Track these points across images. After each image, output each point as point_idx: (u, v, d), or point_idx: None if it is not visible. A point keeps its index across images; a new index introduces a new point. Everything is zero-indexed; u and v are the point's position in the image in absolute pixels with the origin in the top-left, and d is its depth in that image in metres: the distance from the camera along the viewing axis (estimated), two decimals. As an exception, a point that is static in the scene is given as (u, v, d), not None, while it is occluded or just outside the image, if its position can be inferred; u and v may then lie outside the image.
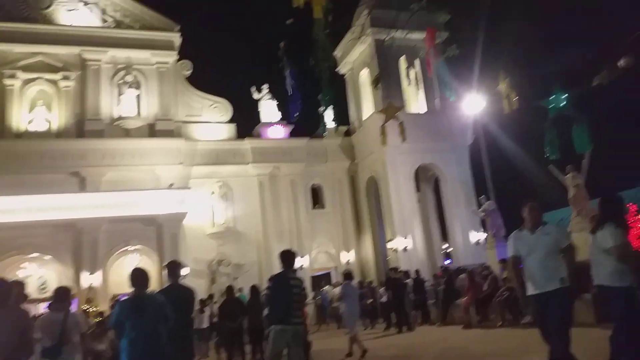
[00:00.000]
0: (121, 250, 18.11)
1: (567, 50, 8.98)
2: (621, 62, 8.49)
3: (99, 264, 17.27)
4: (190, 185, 19.40)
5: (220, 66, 48.58)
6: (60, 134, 18.95)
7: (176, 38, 21.04)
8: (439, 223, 22.39)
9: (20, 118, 18.66)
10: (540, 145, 10.40)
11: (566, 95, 9.23)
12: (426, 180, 22.86)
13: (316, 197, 22.59)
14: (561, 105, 9.29)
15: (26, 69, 18.92)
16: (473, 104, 14.57)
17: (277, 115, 22.02)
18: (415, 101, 21.90)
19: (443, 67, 11.72)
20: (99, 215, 17.27)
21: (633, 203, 18.53)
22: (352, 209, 22.60)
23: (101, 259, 17.42)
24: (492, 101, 12.93)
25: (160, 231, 18.18)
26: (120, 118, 19.71)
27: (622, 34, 8.32)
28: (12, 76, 18.69)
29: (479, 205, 16.16)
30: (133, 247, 18.20)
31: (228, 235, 20.13)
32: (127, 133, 19.81)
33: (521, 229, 4.31)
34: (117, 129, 19.67)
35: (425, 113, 21.36)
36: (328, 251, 21.96)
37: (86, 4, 20.32)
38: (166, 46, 20.79)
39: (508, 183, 20.69)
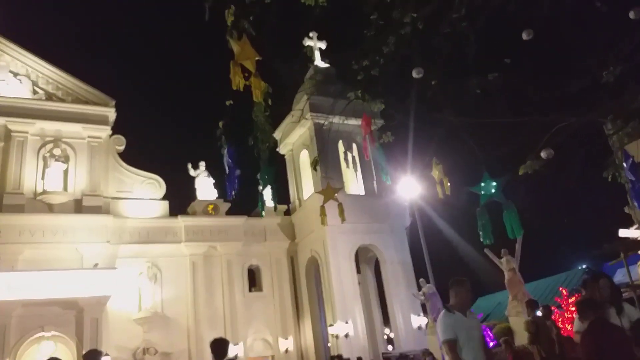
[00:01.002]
0: (35, 337, 16.27)
1: (495, 140, 9.43)
2: (543, 154, 8.96)
3: (7, 353, 15.34)
4: (117, 266, 18.16)
5: (156, 142, 48.13)
6: (-26, 209, 17.50)
7: (111, 113, 20.57)
8: (380, 306, 22.06)
9: None
10: (475, 229, 10.60)
11: (495, 182, 9.58)
12: (366, 261, 22.76)
13: (253, 279, 21.76)
14: (491, 191, 9.60)
15: (-57, 138, 17.70)
16: (409, 188, 14.96)
17: (214, 193, 21.58)
18: (354, 183, 22.28)
19: (379, 152, 12.00)
20: (11, 298, 15.60)
21: (564, 287, 19.32)
22: (292, 292, 21.88)
23: (10, 348, 15.52)
24: (427, 185, 13.29)
25: (80, 316, 16.59)
26: (44, 192, 18.55)
27: (544, 128, 8.88)
28: None
29: (419, 288, 16.15)
30: (49, 334, 16.43)
31: (155, 321, 18.71)
32: (50, 208, 18.61)
33: (451, 311, 4.06)
34: (39, 204, 18.45)
35: (363, 195, 21.70)
36: (265, 338, 20.81)
37: (16, 75, 19.67)
38: (100, 121, 20.24)
39: (447, 266, 21.02)
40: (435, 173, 10.96)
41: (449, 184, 10.56)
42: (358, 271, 21.72)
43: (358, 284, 21.00)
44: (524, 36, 8.04)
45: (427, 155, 11.98)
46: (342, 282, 19.74)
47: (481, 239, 10.14)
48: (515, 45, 8.55)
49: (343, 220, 13.55)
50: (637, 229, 14.67)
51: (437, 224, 19.35)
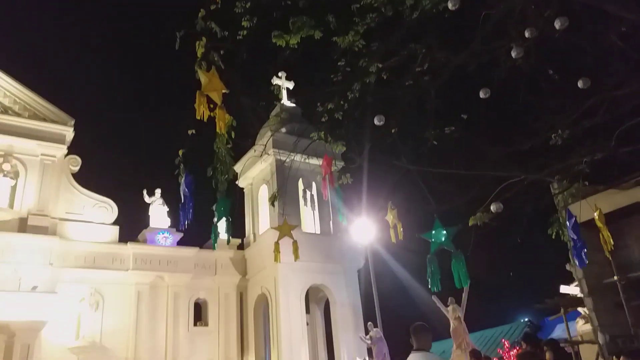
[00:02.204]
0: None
1: (449, 190, 9.80)
2: (493, 207, 9.34)
3: None
4: (57, 290, 17.30)
5: (113, 166, 47.01)
6: None
7: (69, 132, 20.03)
8: (327, 348, 21.76)
9: None
10: (426, 275, 10.81)
11: (445, 231, 9.88)
12: (316, 301, 22.57)
13: (199, 313, 21.13)
14: (441, 240, 9.88)
15: None
16: (364, 230, 15.14)
17: (167, 221, 21.12)
18: (311, 222, 22.33)
19: (337, 193, 12.20)
20: None
21: (506, 339, 19.75)
22: (238, 329, 21.32)
23: None
24: (382, 229, 13.52)
25: (10, 341, 15.61)
26: (-14, 208, 17.68)
27: (495, 182, 9.30)
28: None
29: (367, 331, 16.10)
30: (-28, 361, 15.33)
31: (93, 351, 17.76)
32: (-9, 225, 17.69)
33: (418, 351, 4.16)
34: (-21, 219, 17.52)
35: (319, 234, 21.74)
36: (207, 374, 20.11)
37: (-29, 85, 19.02)
38: (56, 139, 19.62)
39: (397, 310, 21.12)
40: (390, 217, 11.21)
41: (401, 229, 10.81)
42: (307, 311, 21.49)
43: (306, 324, 20.73)
44: (482, 95, 8.52)
45: (383, 199, 12.28)
46: (291, 321, 19.45)
47: (429, 286, 10.34)
48: (473, 102, 9.04)
49: (297, 257, 13.55)
50: (576, 286, 15.30)
51: (389, 267, 19.59)
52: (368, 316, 18.98)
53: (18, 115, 19.44)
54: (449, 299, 13.60)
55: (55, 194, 19.31)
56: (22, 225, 18.09)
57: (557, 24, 7.17)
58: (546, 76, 8.71)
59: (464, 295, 13.34)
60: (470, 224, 9.72)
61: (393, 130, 9.66)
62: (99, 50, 58.29)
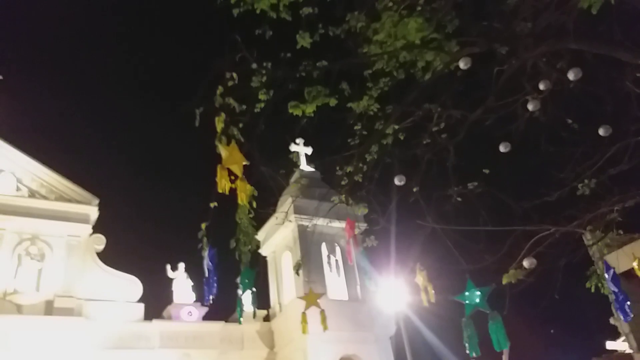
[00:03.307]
0: None
1: (478, 248, 9.50)
2: (526, 263, 9.01)
3: None
4: (85, 374, 16.93)
5: (136, 242, 47.42)
6: None
7: (93, 212, 20.41)
8: None
9: None
10: (462, 339, 10.31)
11: (479, 292, 9.50)
12: (348, 373, 21.57)
13: (227, 390, 20.33)
14: (475, 301, 9.48)
15: None
16: (393, 294, 14.66)
17: (192, 296, 20.87)
18: (337, 287, 21.81)
19: (363, 257, 11.96)
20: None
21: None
22: (267, 407, 20.40)
23: None
24: (412, 292, 13.08)
25: None
26: (14, 292, 17.75)
27: (525, 237, 9.01)
28: None
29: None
30: None
31: None
32: (19, 309, 17.67)
33: None
34: (7, 304, 17.55)
35: (347, 300, 21.15)
36: None
37: (0, 171, 19.70)
38: (81, 219, 19.96)
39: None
40: (420, 279, 10.86)
41: (433, 291, 10.44)
42: (340, 383, 20.48)
43: (341, 398, 19.71)
44: (502, 149, 8.44)
45: (411, 261, 11.96)
46: (324, 396, 18.51)
47: (467, 351, 9.82)
48: (494, 156, 8.95)
49: (325, 328, 13.13)
50: (623, 341, 14.40)
51: (422, 332, 18.74)
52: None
53: (45, 198, 19.98)
54: (489, 363, 12.87)
55: (80, 274, 19.37)
56: (49, 308, 18.05)
57: (570, 75, 7.18)
58: (565, 126, 8.64)
59: (505, 358, 12.63)
60: (504, 282, 9.35)
61: (415, 189, 9.57)
62: (121, 129, 60.66)
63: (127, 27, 62.09)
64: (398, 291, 14.45)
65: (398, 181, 8.93)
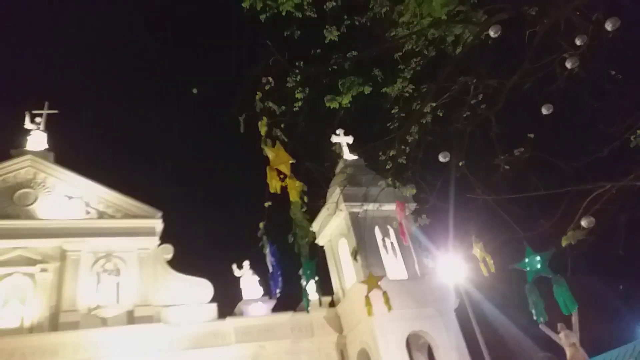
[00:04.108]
0: None
1: (533, 214, 9.45)
2: (584, 222, 8.90)
3: None
4: (170, 376, 18.07)
5: (201, 247, 49.25)
6: (32, 329, 18.04)
7: (158, 224, 21.61)
8: (439, 397, 20.74)
9: (-9, 315, 17.92)
10: (526, 307, 10.30)
11: (539, 257, 9.45)
12: (418, 349, 21.80)
13: (304, 378, 21.05)
14: (537, 267, 9.45)
15: (3, 264, 18.75)
16: (452, 268, 14.74)
17: (259, 290, 21.68)
18: (396, 268, 22.00)
19: (417, 236, 12.13)
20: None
21: (632, 358, 17.89)
22: (345, 388, 20.98)
23: None
24: (471, 265, 13.12)
25: None
26: (97, 307, 19.08)
27: (580, 197, 8.89)
28: (-12, 272, 18.44)
29: (477, 373, 15.29)
30: None
31: None
32: (104, 322, 19.01)
33: None
34: (93, 319, 18.91)
35: (406, 279, 21.32)
36: None
37: (70, 198, 21.11)
38: (148, 232, 21.20)
39: (502, 347, 19.93)
40: (477, 251, 10.92)
41: (492, 261, 10.48)
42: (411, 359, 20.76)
43: (414, 373, 20.00)
44: (544, 111, 8.34)
45: (467, 234, 12.00)
46: (397, 373, 18.86)
47: (534, 317, 9.82)
48: (537, 120, 8.85)
49: (390, 308, 13.41)
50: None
51: (485, 303, 18.67)
52: (474, 357, 18.07)
53: (112, 217, 21.31)
54: (559, 325, 12.77)
55: (154, 283, 20.57)
56: (130, 318, 19.31)
57: (608, 26, 7.00)
58: (609, 78, 8.41)
59: (574, 320, 12.50)
60: (563, 245, 9.26)
61: (460, 164, 9.60)
62: (174, 142, 62.83)
63: (165, 49, 64.06)
64: (456, 265, 14.51)
65: (442, 158, 9.01)
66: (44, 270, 19.14)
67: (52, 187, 21.21)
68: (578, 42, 7.47)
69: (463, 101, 9.15)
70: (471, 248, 11.26)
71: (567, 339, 12.25)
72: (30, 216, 20.20)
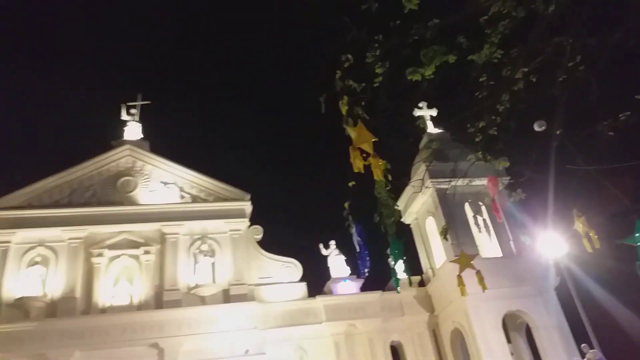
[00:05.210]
0: None
1: (636, 187, 8.59)
2: None
3: None
4: (265, 351, 18.87)
5: (288, 227, 50.57)
6: (140, 307, 19.63)
7: (247, 206, 22.51)
8: (539, 378, 19.86)
9: (105, 293, 19.70)
10: (636, 285, 9.46)
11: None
12: (516, 329, 20.95)
13: (396, 356, 21.06)
14: (649, 241, 8.60)
15: (112, 247, 20.51)
16: (552, 245, 13.84)
17: (347, 270, 21.87)
18: (489, 245, 21.15)
19: (513, 211, 11.49)
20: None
21: None
22: (438, 367, 20.72)
23: None
24: (571, 240, 12.24)
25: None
26: (196, 286, 20.31)
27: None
28: (100, 255, 20.25)
29: (582, 355, 14.41)
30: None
31: (305, 405, 18.78)
32: (202, 300, 20.21)
33: None
34: (193, 297, 20.17)
35: (501, 257, 20.43)
36: (416, 418, 19.75)
37: (166, 184, 22.57)
38: (238, 215, 22.17)
39: (609, 327, 18.57)
40: (579, 226, 10.16)
41: (596, 236, 9.68)
42: (508, 340, 19.97)
43: (510, 354, 19.25)
44: None
45: (567, 209, 11.18)
46: (493, 353, 18.26)
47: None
48: (645, 77, 7.98)
49: (484, 288, 12.91)
50: None
51: (588, 282, 17.39)
52: (579, 338, 16.99)
53: (205, 201, 22.47)
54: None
55: (247, 263, 21.50)
56: (226, 296, 20.37)
57: None
58: None
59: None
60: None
61: (558, 132, 8.93)
62: (259, 126, 64.79)
63: (246, 35, 65.82)
64: (556, 241, 13.60)
65: (538, 127, 8.41)
66: (147, 252, 20.69)
67: (150, 174, 22.74)
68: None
69: (558, 64, 8.44)
70: (572, 223, 10.48)
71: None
72: (132, 202, 21.84)
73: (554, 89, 8.47)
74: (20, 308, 18.84)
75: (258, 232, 22.53)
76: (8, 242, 19.95)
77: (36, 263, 19.77)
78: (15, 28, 56.03)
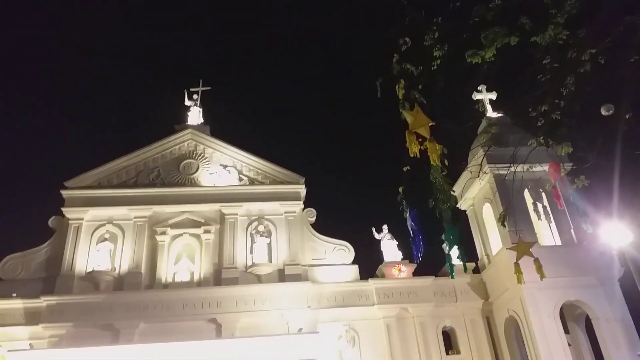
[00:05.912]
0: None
1: None
2: None
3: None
4: (318, 330, 19.31)
5: (341, 211, 50.85)
6: (200, 283, 20.56)
7: (302, 189, 22.95)
8: (599, 370, 19.22)
9: (168, 270, 20.77)
10: None
11: None
12: (574, 319, 20.31)
13: (448, 341, 20.97)
14: None
15: (174, 226, 21.54)
16: (616, 234, 13.24)
17: (398, 254, 21.89)
18: (548, 233, 20.49)
19: (575, 199, 11.11)
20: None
21: None
22: (492, 355, 20.44)
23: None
24: (638, 231, 11.69)
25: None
26: (253, 265, 21.01)
27: None
28: (163, 233, 21.32)
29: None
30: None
31: (356, 385, 19.12)
32: (258, 279, 20.89)
33: None
34: (249, 275, 20.89)
35: (560, 246, 19.77)
36: (468, 404, 19.67)
37: (225, 167, 23.38)
38: (293, 197, 22.64)
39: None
40: (647, 215, 9.69)
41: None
42: (566, 331, 19.40)
43: (568, 345, 18.71)
44: None
45: (635, 196, 10.72)
46: (549, 344, 17.82)
47: None
48: None
49: (542, 276, 12.61)
50: None
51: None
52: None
53: (262, 183, 23.14)
54: None
55: (301, 244, 21.99)
56: (281, 275, 20.96)
57: None
58: None
59: None
60: None
61: (627, 116, 8.58)
62: (314, 112, 65.17)
63: (303, 22, 65.98)
64: (622, 231, 13.00)
65: (605, 111, 8.11)
66: (207, 231, 21.57)
67: (210, 157, 23.61)
68: None
69: (629, 44, 8.07)
70: (639, 211, 10.02)
71: None
72: (194, 184, 22.78)
73: (624, 71, 8.12)
74: (91, 281, 20.23)
75: (312, 214, 22.93)
76: (81, 219, 21.40)
77: (105, 239, 21.09)
78: (90, 24, 58.98)
